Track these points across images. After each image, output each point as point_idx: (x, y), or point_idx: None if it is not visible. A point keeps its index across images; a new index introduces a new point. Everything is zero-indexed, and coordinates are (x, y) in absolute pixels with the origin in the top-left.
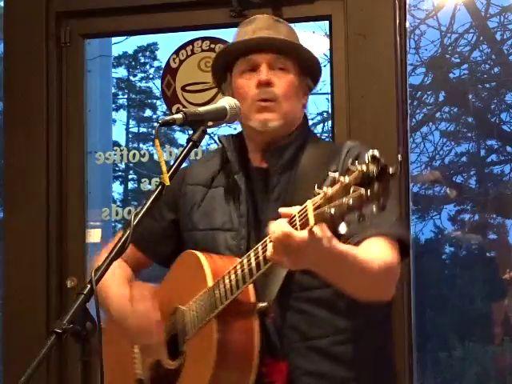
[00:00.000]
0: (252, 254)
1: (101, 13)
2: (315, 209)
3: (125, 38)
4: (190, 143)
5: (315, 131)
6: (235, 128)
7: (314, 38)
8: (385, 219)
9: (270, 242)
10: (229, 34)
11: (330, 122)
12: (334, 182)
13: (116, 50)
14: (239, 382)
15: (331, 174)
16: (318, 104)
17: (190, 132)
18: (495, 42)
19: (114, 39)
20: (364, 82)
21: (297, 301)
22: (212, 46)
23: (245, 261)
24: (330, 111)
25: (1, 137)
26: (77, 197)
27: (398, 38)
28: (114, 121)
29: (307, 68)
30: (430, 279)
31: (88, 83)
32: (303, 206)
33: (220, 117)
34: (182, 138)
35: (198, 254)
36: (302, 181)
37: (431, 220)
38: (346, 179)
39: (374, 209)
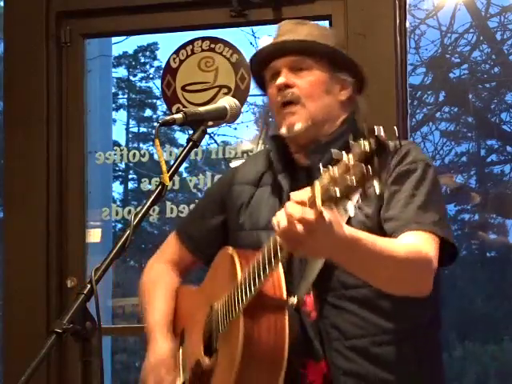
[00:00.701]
0: (271, 244)
1: (101, 13)
2: (322, 188)
3: (125, 37)
4: (190, 143)
5: None
6: (235, 128)
7: None
8: (427, 218)
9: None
10: (229, 34)
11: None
12: (337, 161)
13: (116, 50)
14: (268, 379)
15: (335, 152)
16: None
17: (190, 132)
18: (495, 41)
19: (114, 39)
20: None
21: (338, 299)
22: (212, 45)
23: (264, 251)
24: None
25: (1, 137)
26: (77, 197)
27: (398, 38)
28: (114, 121)
29: (337, 62)
30: None
31: (88, 83)
32: (311, 188)
33: (220, 116)
34: (182, 137)
35: (231, 250)
36: None
37: None
38: (350, 157)
39: (377, 186)
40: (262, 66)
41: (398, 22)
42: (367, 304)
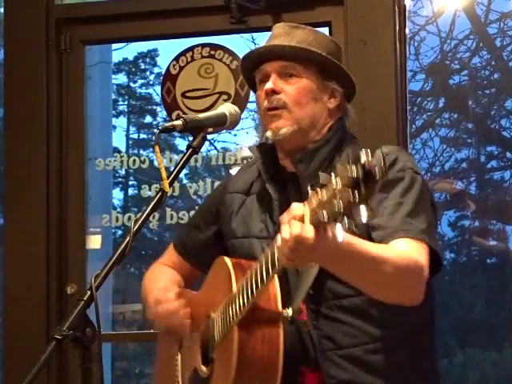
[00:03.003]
0: (263, 259)
1: (101, 19)
2: (311, 210)
3: (125, 44)
4: (190, 149)
5: None
6: (235, 135)
7: None
8: (415, 226)
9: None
10: (229, 41)
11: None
12: (325, 184)
13: (116, 57)
14: None
15: (322, 175)
16: None
17: (190, 138)
18: (495, 48)
19: (114, 45)
20: (364, 88)
21: (330, 309)
22: (212, 52)
23: (258, 265)
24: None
25: (1, 143)
26: (77, 203)
27: (398, 44)
28: (114, 127)
29: (327, 70)
30: None
31: (88, 89)
32: (300, 206)
33: (220, 123)
34: (182, 144)
35: (226, 259)
36: None
37: None
38: (337, 181)
39: (364, 212)
40: (253, 66)
41: (397, 28)
42: (359, 313)
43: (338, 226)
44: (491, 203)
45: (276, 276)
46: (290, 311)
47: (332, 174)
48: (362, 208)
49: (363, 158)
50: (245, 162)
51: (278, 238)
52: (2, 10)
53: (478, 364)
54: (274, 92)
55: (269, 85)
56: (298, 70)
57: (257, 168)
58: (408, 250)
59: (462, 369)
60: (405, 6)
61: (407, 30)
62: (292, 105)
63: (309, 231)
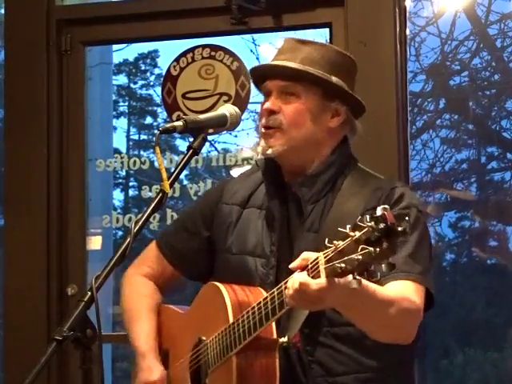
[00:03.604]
0: (269, 297)
1: (101, 20)
2: (326, 261)
3: (125, 45)
4: (191, 151)
5: None
6: (236, 136)
7: None
8: (415, 267)
9: (286, 288)
10: (229, 42)
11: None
12: (345, 236)
13: (117, 58)
14: None
15: (342, 230)
16: None
17: (191, 139)
18: (495, 49)
19: (115, 46)
20: (364, 89)
21: (324, 336)
22: (212, 53)
23: (262, 302)
24: None
25: (1, 144)
26: (77, 204)
27: (399, 46)
28: (115, 128)
29: (330, 91)
30: None
31: (89, 90)
32: (315, 257)
33: (220, 124)
34: (182, 145)
35: (221, 286)
36: (338, 211)
37: (432, 227)
38: (357, 234)
39: (384, 266)
40: (259, 81)
41: (398, 29)
42: (352, 342)
43: (354, 280)
44: (491, 204)
45: None
46: (285, 339)
47: (352, 227)
48: (383, 265)
49: (386, 213)
50: (245, 163)
51: (290, 282)
52: (2, 11)
53: (479, 365)
54: (272, 112)
55: (267, 105)
56: (298, 90)
57: (256, 179)
58: (408, 293)
59: (462, 369)
60: (405, 7)
61: (407, 31)
62: (287, 125)
63: (316, 284)
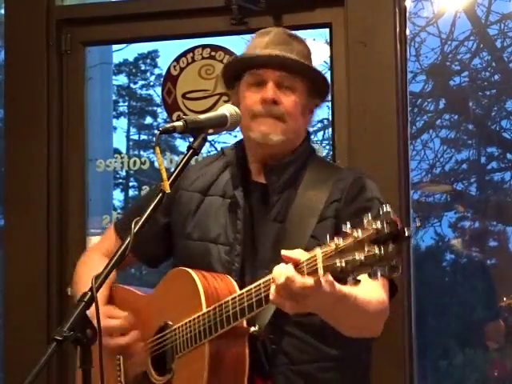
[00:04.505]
0: (253, 290)
1: (101, 20)
2: (325, 259)
3: (125, 45)
4: (191, 151)
5: (315, 138)
6: (235, 136)
7: (314, 45)
8: None
9: (273, 283)
10: (229, 42)
11: (330, 129)
12: (346, 235)
13: (117, 58)
14: None
15: (344, 227)
16: (318, 111)
17: (191, 139)
18: (495, 49)
19: (115, 47)
20: (364, 90)
21: (287, 325)
22: (212, 53)
23: (245, 294)
24: (330, 118)
25: (1, 144)
26: (77, 204)
27: (399, 46)
28: (115, 128)
29: (316, 88)
30: (430, 286)
31: (89, 91)
32: (312, 254)
33: (220, 124)
34: (182, 145)
35: (193, 273)
36: (301, 202)
37: (432, 227)
38: (360, 234)
39: (387, 269)
40: (247, 67)
41: (398, 29)
42: (314, 331)
43: (350, 278)
44: (491, 204)
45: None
46: (256, 328)
47: (352, 226)
48: (386, 268)
49: (392, 215)
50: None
51: (279, 275)
52: (2, 11)
53: (479, 365)
54: (274, 102)
55: (270, 94)
56: (295, 83)
57: (217, 167)
58: (378, 292)
59: (462, 370)
60: (405, 8)
61: (408, 32)
62: (287, 117)
63: (308, 281)
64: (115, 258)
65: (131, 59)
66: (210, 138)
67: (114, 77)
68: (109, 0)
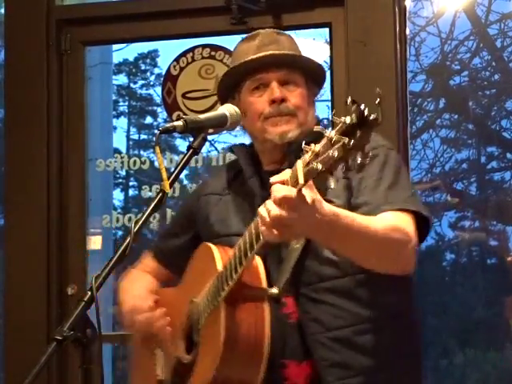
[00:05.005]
0: (247, 232)
1: (101, 20)
2: (305, 166)
3: (125, 45)
4: (191, 150)
5: None
6: (235, 135)
7: (314, 44)
8: (398, 196)
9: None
10: (229, 42)
11: (330, 129)
12: (320, 138)
13: (116, 57)
14: (248, 372)
15: (316, 129)
16: (318, 111)
17: (191, 139)
18: (495, 48)
19: (115, 46)
20: (364, 89)
21: (316, 292)
22: (212, 53)
23: (242, 241)
24: (330, 118)
25: (1, 144)
26: (77, 204)
27: (398, 45)
28: (115, 128)
29: (313, 77)
30: (430, 286)
31: (88, 90)
32: (294, 167)
33: (220, 124)
34: (182, 144)
35: (210, 244)
36: None
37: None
38: (332, 133)
39: (359, 158)
40: (244, 75)
41: (398, 29)
42: (345, 294)
43: (331, 178)
44: (491, 204)
45: (259, 259)
46: (275, 290)
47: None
48: (358, 154)
49: (361, 106)
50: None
51: (261, 208)
52: (2, 11)
53: (479, 365)
54: (282, 100)
55: (277, 93)
56: (296, 78)
57: (230, 171)
58: (394, 221)
59: (462, 369)
60: (405, 7)
61: (407, 31)
62: (297, 111)
63: (291, 191)
64: (115, 257)
65: (131, 59)
66: (209, 137)
67: (113, 76)
68: (109, 0)
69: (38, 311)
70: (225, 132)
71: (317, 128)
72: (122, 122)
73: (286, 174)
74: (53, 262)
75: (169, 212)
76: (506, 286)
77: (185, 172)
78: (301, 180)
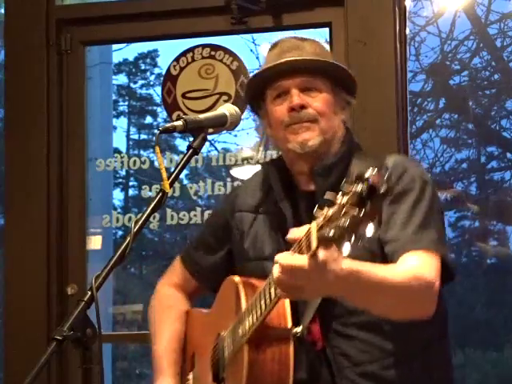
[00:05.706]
0: (267, 285)
1: (101, 20)
2: (319, 230)
3: (125, 45)
4: (191, 150)
5: None
6: (235, 135)
7: None
8: (426, 237)
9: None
10: (229, 41)
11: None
12: (333, 203)
13: (116, 57)
14: None
15: (329, 195)
16: None
17: (191, 139)
18: (495, 48)
19: (115, 46)
20: (364, 89)
21: (344, 326)
22: (212, 53)
23: (267, 284)
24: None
25: (1, 143)
26: (77, 203)
27: (398, 45)
28: (115, 128)
29: (340, 82)
30: None
31: (88, 90)
32: (308, 227)
33: (220, 124)
34: (182, 144)
35: (235, 278)
36: None
37: None
38: (344, 200)
39: (372, 228)
40: (265, 84)
41: (398, 29)
42: (372, 328)
43: (346, 244)
44: (491, 204)
45: None
46: (299, 329)
47: (339, 192)
48: (369, 225)
49: (367, 174)
50: (245, 162)
51: (274, 267)
52: (2, 11)
53: (478, 364)
54: (302, 107)
55: (297, 100)
56: (318, 84)
57: (263, 185)
58: (418, 266)
59: (462, 369)
60: (405, 7)
61: (407, 31)
62: (320, 118)
63: (300, 260)
64: (115, 257)
65: (131, 59)
66: (209, 137)
67: (113, 76)
68: (109, 0)
69: (37, 311)
70: (225, 132)
71: (329, 194)
72: (121, 122)
73: (302, 231)
74: (53, 261)
75: (169, 212)
76: (505, 287)
77: (185, 172)
78: (313, 245)
